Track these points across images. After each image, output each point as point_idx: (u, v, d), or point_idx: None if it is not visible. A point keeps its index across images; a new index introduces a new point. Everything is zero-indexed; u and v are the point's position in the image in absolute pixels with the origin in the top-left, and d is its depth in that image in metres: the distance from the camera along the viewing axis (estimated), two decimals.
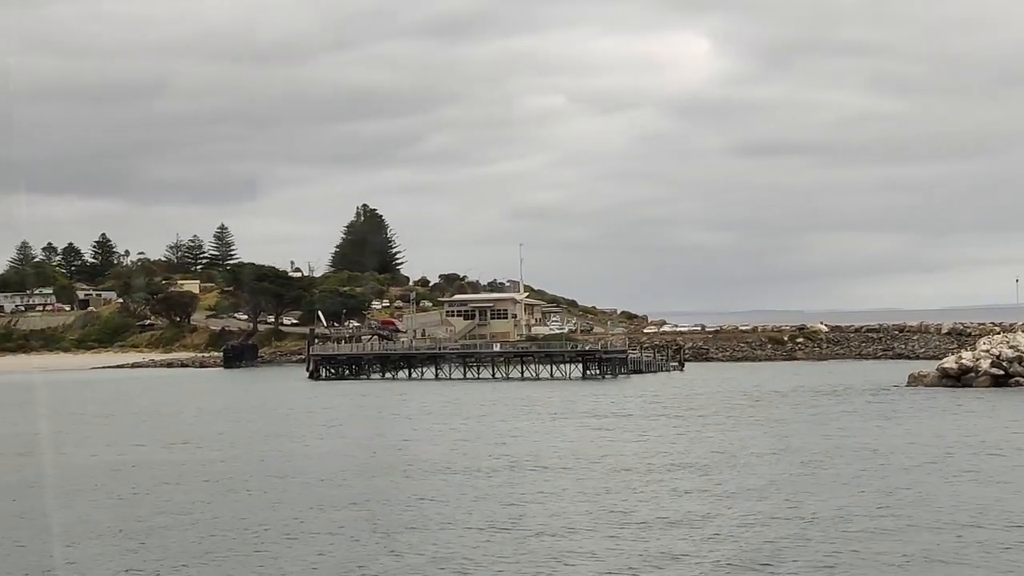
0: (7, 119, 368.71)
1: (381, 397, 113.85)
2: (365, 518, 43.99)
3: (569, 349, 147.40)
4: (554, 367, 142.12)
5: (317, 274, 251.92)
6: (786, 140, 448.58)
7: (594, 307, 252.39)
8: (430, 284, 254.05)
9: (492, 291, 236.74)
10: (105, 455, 66.37)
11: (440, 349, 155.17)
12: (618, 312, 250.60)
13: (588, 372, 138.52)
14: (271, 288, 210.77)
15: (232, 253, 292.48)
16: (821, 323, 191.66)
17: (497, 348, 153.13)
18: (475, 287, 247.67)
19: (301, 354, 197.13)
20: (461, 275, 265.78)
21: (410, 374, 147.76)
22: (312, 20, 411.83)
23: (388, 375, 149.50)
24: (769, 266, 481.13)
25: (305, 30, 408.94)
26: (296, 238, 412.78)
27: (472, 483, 52.33)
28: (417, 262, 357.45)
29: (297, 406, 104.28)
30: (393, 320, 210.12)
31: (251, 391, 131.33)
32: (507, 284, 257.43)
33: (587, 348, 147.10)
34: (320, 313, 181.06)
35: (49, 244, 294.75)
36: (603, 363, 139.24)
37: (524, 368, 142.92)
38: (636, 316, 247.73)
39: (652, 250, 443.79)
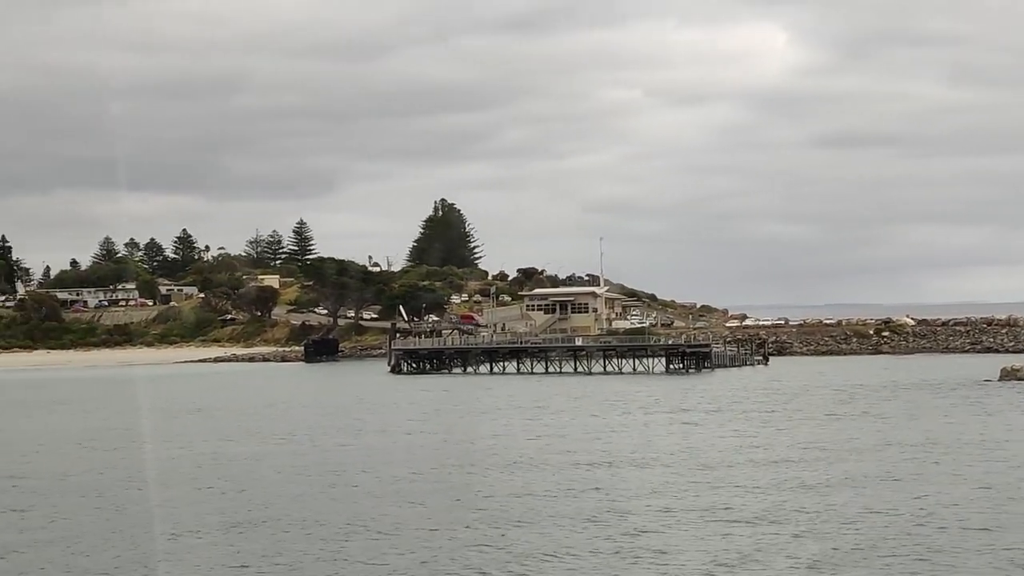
0: (88, 116, 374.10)
1: (466, 391, 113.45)
2: (472, 513, 43.49)
3: (652, 343, 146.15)
4: (637, 361, 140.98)
5: (395, 268, 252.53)
6: (865, 132, 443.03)
7: (673, 301, 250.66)
8: (508, 279, 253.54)
9: (570, 285, 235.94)
10: (200, 449, 66.43)
11: (522, 343, 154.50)
12: (697, 306, 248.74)
13: (672, 366, 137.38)
14: (351, 282, 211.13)
15: (311, 248, 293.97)
16: (907, 316, 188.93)
17: (579, 342, 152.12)
18: (553, 281, 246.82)
19: (381, 349, 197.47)
20: (539, 269, 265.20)
21: (492, 368, 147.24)
22: (389, 15, 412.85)
23: (469, 369, 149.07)
24: (847, 259, 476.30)
25: (382, 25, 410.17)
26: (373, 233, 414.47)
27: (573, 478, 51.70)
28: (494, 256, 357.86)
29: (383, 400, 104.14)
30: (472, 315, 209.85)
31: (335, 385, 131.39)
32: (585, 278, 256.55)
33: (671, 342, 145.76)
34: (401, 308, 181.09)
35: (132, 240, 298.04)
36: (687, 357, 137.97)
37: (607, 363, 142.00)
38: (716, 310, 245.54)
39: (728, 243, 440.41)
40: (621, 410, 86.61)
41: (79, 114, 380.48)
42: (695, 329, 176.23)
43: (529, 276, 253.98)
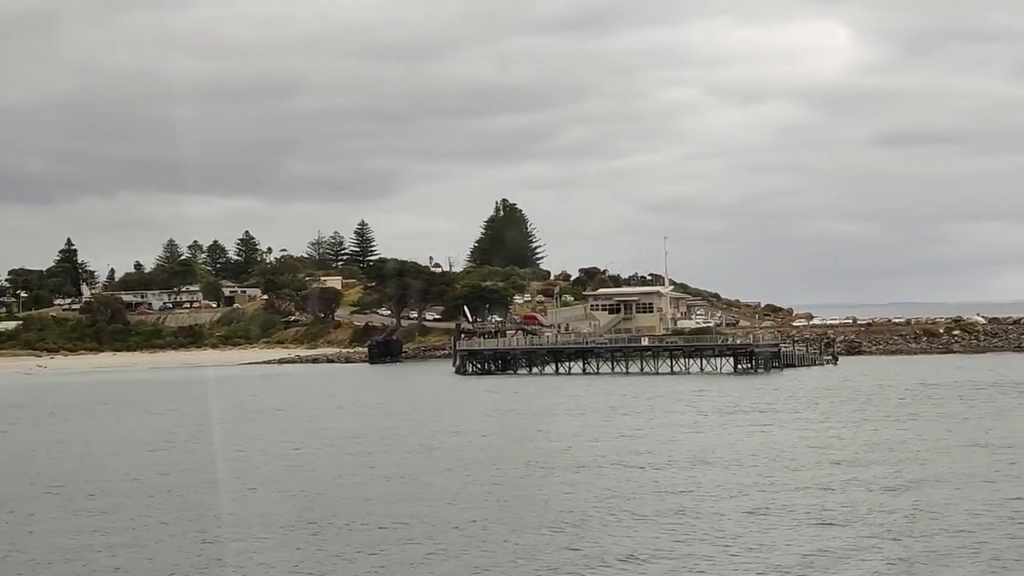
0: (150, 120, 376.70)
1: (535, 392, 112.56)
2: (558, 515, 42.69)
3: (720, 343, 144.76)
4: (704, 361, 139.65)
5: (456, 269, 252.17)
6: (928, 129, 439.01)
7: (737, 300, 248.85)
8: (571, 279, 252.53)
9: (633, 285, 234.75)
10: (273, 451, 65.99)
11: (587, 343, 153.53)
12: (762, 305, 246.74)
13: (740, 366, 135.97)
14: (414, 283, 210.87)
15: (372, 249, 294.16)
16: (978, 315, 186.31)
17: (646, 342, 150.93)
18: (616, 281, 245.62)
19: (444, 349, 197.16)
20: (601, 269, 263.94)
21: (557, 369, 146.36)
22: (448, 15, 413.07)
23: (535, 370, 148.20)
24: (909, 257, 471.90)
25: (441, 25, 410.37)
26: (432, 233, 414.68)
27: (655, 478, 50.84)
28: (553, 256, 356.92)
29: (452, 401, 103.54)
30: (535, 315, 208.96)
31: (401, 387, 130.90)
32: (648, 278, 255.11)
33: (739, 342, 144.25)
34: (466, 308, 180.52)
35: (195, 242, 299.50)
36: (756, 357, 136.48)
37: (673, 362, 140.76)
38: (780, 309, 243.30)
39: (788, 242, 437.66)
40: (697, 410, 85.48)
41: (141, 118, 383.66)
42: (761, 329, 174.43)
43: (591, 276, 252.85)
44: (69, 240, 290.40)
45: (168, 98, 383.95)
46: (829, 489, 46.93)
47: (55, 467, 60.66)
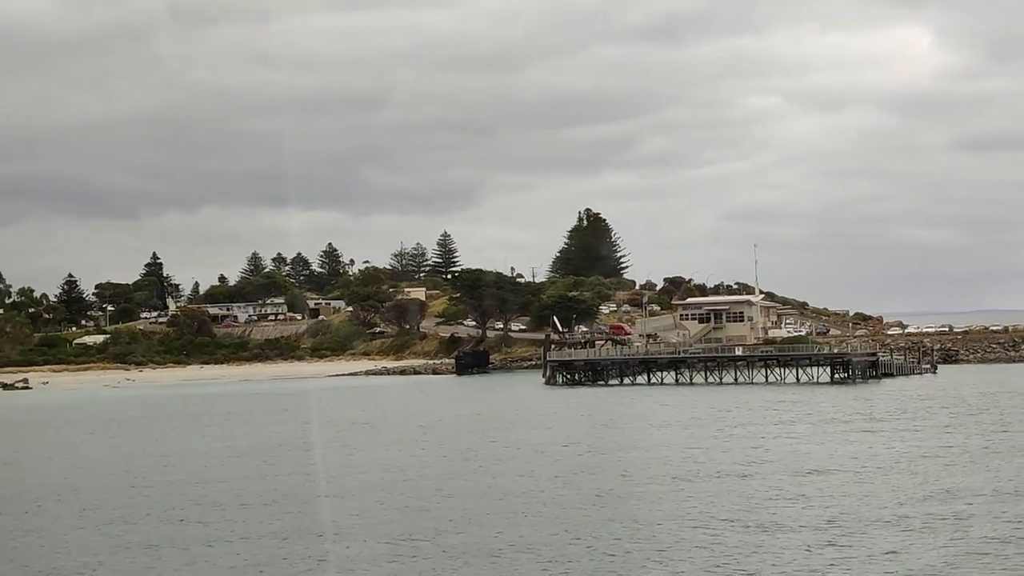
0: (232, 134, 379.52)
1: (635, 403, 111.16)
2: (687, 528, 41.50)
3: (817, 352, 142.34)
4: (800, 371, 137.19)
5: (539, 279, 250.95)
6: (1011, 134, 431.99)
7: (825, 309, 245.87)
8: (656, 288, 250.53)
9: (719, 294, 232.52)
10: (374, 461, 65.31)
11: (680, 353, 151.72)
12: (851, 313, 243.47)
13: (836, 376, 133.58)
14: (499, 294, 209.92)
15: (455, 260, 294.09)
16: None
17: (740, 352, 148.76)
18: (702, 290, 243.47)
19: (531, 360, 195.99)
20: (686, 278, 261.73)
21: (649, 379, 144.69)
22: (529, 27, 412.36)
23: (626, 380, 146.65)
24: (993, 264, 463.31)
25: (522, 37, 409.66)
26: (513, 244, 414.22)
27: (789, 488, 49.44)
28: (637, 265, 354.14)
29: (549, 412, 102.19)
30: (623, 325, 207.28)
31: (494, 398, 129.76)
32: (734, 287, 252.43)
33: (835, 351, 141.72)
34: (555, 318, 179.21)
35: (279, 255, 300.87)
36: (853, 367, 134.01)
37: (768, 372, 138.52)
38: (871, 317, 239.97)
39: (871, 249, 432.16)
40: (809, 420, 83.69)
41: (226, 132, 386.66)
42: (855, 338, 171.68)
43: (676, 285, 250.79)
44: (155, 254, 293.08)
45: (253, 112, 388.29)
46: (959, 495, 45.53)
47: (165, 476, 60.23)
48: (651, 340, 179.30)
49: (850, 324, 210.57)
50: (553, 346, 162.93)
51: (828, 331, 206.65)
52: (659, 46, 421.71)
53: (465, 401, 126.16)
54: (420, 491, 53.32)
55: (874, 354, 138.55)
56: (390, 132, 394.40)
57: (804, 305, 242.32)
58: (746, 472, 55.60)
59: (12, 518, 49.67)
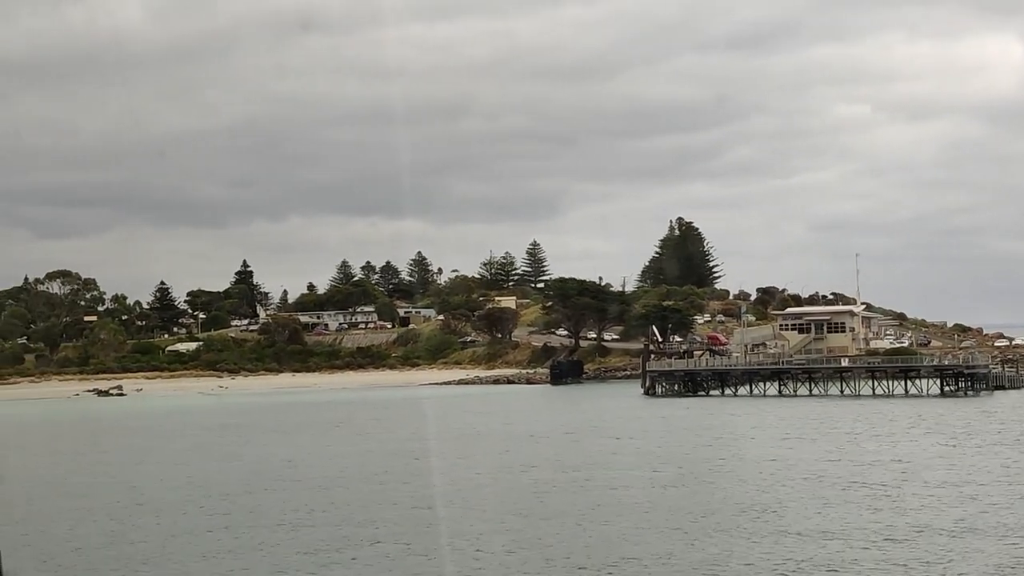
0: (319, 144, 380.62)
1: (747, 415, 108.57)
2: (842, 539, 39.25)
3: (926, 363, 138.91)
4: (909, 383, 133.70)
5: (628, 289, 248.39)
6: None
7: (923, 320, 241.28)
8: (750, 298, 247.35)
9: (813, 304, 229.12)
10: (490, 473, 63.98)
11: (783, 364, 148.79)
12: (948, 325, 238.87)
13: (947, 388, 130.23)
14: (593, 303, 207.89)
15: (544, 269, 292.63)
16: None
17: (846, 363, 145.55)
18: (797, 300, 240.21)
19: (626, 370, 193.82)
20: (779, 288, 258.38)
21: (751, 390, 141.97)
22: (614, 36, 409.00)
23: (728, 391, 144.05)
24: None
25: (606, 46, 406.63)
26: (597, 254, 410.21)
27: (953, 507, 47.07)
28: (725, 275, 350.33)
29: (664, 425, 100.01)
30: (718, 335, 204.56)
31: (597, 409, 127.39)
32: (830, 296, 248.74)
33: (947, 363, 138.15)
34: (655, 328, 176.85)
35: (368, 263, 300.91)
36: (963, 379, 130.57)
37: (876, 384, 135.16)
38: (971, 328, 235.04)
39: (962, 260, 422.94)
40: (941, 435, 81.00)
41: (312, 141, 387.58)
42: (961, 348, 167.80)
43: (770, 295, 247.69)
44: (245, 262, 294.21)
45: (338, 122, 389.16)
46: None
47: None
48: (750, 350, 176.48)
49: (957, 335, 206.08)
50: (652, 356, 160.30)
51: (929, 342, 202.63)
52: (744, 55, 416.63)
53: (567, 411, 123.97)
54: (545, 500, 51.61)
55: (987, 366, 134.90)
56: (473, 142, 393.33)
57: (902, 316, 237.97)
58: (904, 492, 53.28)
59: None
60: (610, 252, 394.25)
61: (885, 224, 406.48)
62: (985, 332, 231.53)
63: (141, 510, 54.04)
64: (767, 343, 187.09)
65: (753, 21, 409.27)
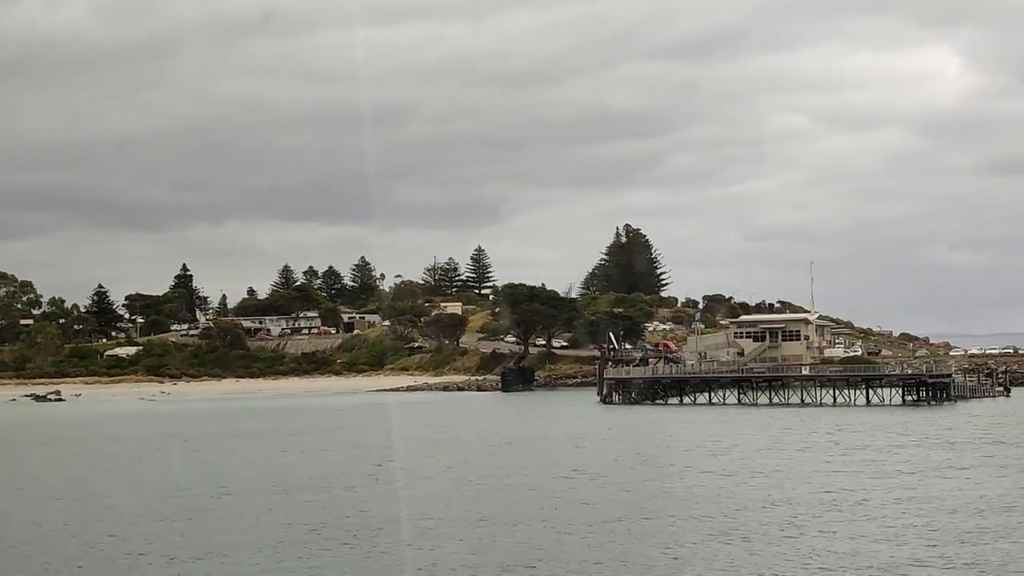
0: (260, 148, 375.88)
1: (711, 424, 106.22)
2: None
3: (888, 373, 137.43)
4: (871, 392, 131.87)
5: (573, 295, 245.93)
6: None
7: (870, 329, 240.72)
8: (699, 306, 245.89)
9: (761, 312, 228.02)
10: (455, 482, 61.39)
11: (744, 372, 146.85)
12: (894, 334, 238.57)
13: (909, 398, 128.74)
14: (544, 309, 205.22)
15: (489, 275, 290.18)
16: None
17: (807, 371, 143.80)
18: (746, 308, 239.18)
19: (576, 377, 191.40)
20: (726, 296, 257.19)
21: (711, 399, 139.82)
22: (562, 44, 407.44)
23: (687, 400, 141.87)
24: (1019, 287, 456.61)
25: (554, 54, 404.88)
26: (540, 261, 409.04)
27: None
28: (673, 282, 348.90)
29: (630, 433, 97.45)
30: (668, 343, 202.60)
31: (555, 416, 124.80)
32: (777, 305, 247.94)
33: (910, 372, 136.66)
34: (611, 335, 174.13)
35: (310, 268, 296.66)
36: (927, 388, 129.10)
37: (837, 393, 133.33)
38: (917, 338, 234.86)
39: (899, 270, 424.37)
40: (927, 445, 79.11)
41: (255, 145, 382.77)
42: (916, 358, 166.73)
43: (718, 303, 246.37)
44: (185, 266, 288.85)
45: (284, 126, 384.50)
46: None
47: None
48: (703, 359, 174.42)
49: (912, 344, 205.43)
50: (610, 364, 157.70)
51: (880, 351, 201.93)
52: (689, 64, 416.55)
53: (527, 420, 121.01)
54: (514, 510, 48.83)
55: (950, 376, 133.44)
56: (419, 147, 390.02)
57: (850, 324, 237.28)
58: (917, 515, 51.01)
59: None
60: (552, 259, 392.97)
61: (825, 233, 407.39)
62: (932, 342, 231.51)
63: None
64: (721, 351, 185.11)
65: (698, 31, 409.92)
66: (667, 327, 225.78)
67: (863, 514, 49.24)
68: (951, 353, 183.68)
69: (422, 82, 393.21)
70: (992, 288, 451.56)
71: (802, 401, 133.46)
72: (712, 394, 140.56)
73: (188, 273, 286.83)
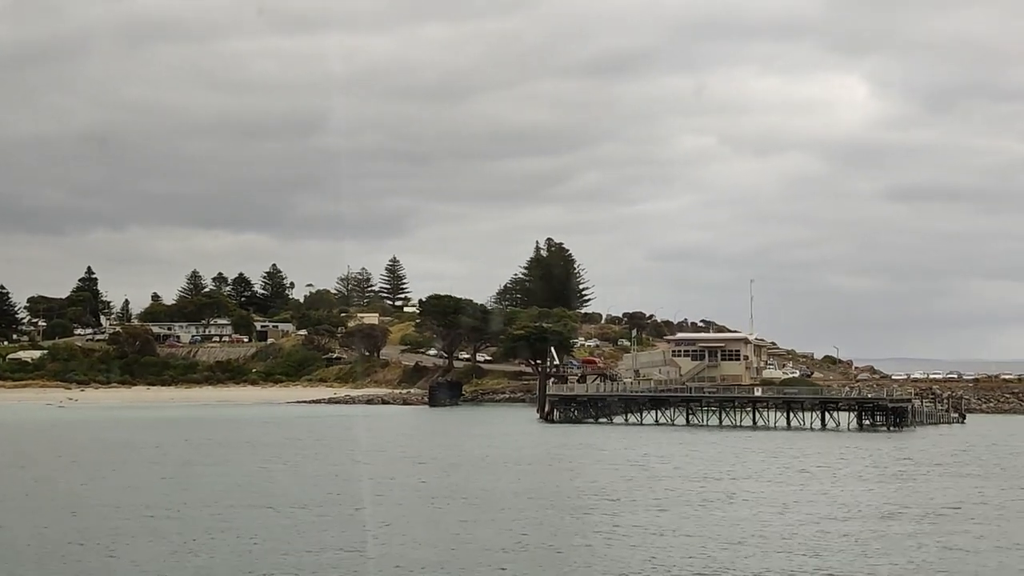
0: (166, 154, 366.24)
1: (670, 446, 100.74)
2: None
3: (845, 396, 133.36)
4: (827, 416, 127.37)
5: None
6: (943, 186, 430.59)
7: (793, 350, 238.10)
8: (621, 322, 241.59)
9: (684, 331, 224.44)
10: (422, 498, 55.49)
11: (693, 393, 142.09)
12: (818, 357, 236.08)
13: (866, 422, 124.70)
14: (471, 322, 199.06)
15: (403, 286, 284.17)
16: None
17: (758, 392, 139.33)
18: (669, 327, 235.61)
19: (504, 392, 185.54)
20: (647, 314, 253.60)
21: (657, 419, 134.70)
22: (472, 58, 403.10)
23: (632, 419, 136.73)
24: (913, 312, 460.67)
25: (465, 68, 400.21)
26: (446, 274, 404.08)
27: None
28: (596, 298, 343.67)
29: (597, 456, 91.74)
30: (595, 359, 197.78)
31: (500, 435, 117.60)
32: (700, 324, 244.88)
33: (868, 396, 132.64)
34: (554, 350, 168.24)
35: (220, 274, 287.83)
36: (884, 413, 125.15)
37: (791, 416, 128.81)
38: (840, 361, 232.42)
39: (797, 294, 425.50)
40: (906, 475, 74.59)
41: (160, 152, 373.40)
42: (858, 382, 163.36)
43: (636, 320, 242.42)
44: (90, 269, 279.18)
45: (190, 133, 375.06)
46: None
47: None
48: (638, 377, 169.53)
49: (854, 369, 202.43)
50: (553, 380, 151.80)
51: (812, 374, 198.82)
52: (600, 83, 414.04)
53: (472, 437, 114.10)
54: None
55: (908, 400, 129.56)
56: (325, 158, 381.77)
57: (773, 345, 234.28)
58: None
59: None
60: (460, 272, 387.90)
61: (725, 256, 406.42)
62: (856, 365, 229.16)
63: None
64: (653, 369, 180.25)
65: (609, 50, 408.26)
66: (592, 343, 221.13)
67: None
68: (894, 377, 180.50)
69: (329, 93, 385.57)
70: (888, 312, 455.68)
71: (754, 423, 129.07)
72: (660, 414, 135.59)
73: (93, 276, 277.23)
